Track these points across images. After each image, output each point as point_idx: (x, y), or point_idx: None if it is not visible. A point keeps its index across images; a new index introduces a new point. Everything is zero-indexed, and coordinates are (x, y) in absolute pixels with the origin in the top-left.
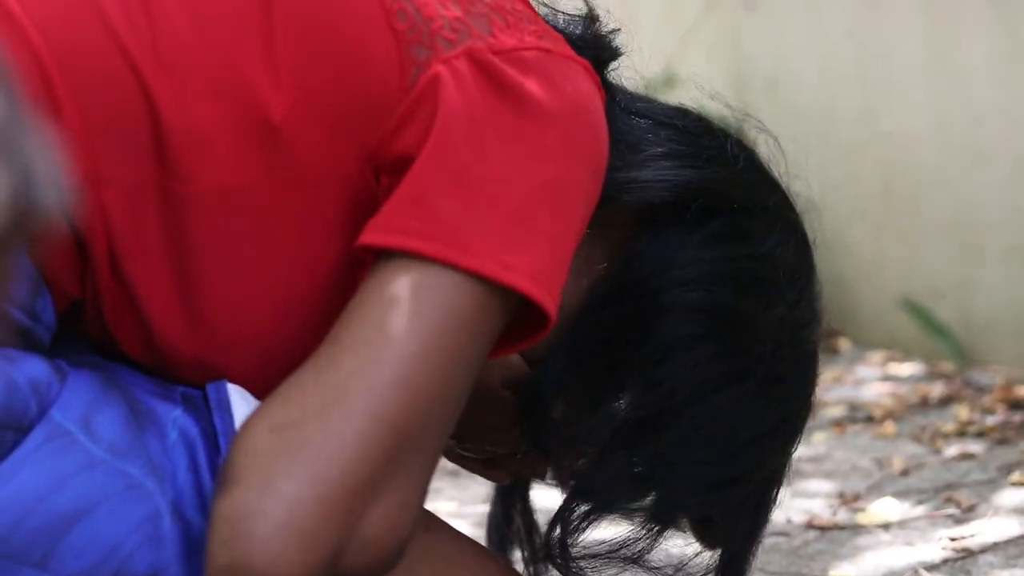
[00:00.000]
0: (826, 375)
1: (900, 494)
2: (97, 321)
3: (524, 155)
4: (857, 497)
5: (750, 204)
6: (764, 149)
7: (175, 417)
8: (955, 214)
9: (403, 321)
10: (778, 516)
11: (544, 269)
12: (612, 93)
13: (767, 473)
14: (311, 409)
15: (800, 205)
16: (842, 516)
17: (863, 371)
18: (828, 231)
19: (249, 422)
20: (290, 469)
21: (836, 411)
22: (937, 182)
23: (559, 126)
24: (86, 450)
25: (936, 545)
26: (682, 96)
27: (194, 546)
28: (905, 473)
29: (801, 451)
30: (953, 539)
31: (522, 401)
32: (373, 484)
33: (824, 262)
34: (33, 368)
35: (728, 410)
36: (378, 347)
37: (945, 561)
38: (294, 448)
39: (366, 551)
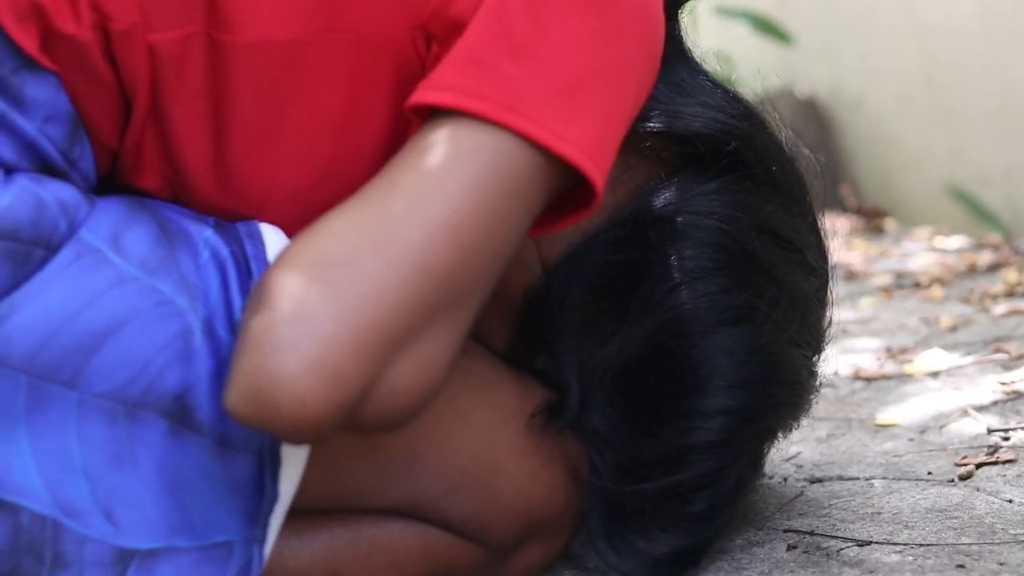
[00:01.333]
0: (872, 250)
1: (948, 347)
2: (129, 174)
3: (581, 31)
4: (904, 351)
5: (788, 185)
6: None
7: (206, 237)
8: (999, 100)
9: (457, 177)
10: (824, 369)
11: (596, 146)
12: (680, 42)
13: (762, 427)
14: (358, 250)
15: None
16: (889, 368)
17: (909, 246)
18: (873, 123)
19: (291, 250)
20: (329, 307)
21: (882, 279)
22: (981, 69)
23: (618, 7)
24: (116, 267)
25: (985, 389)
26: None
27: (224, 364)
28: (953, 329)
29: (847, 314)
30: (1003, 383)
31: (526, 306)
32: (408, 334)
33: (870, 154)
34: (61, 190)
35: (735, 349)
36: (431, 199)
37: (995, 403)
38: (336, 287)
39: (389, 401)
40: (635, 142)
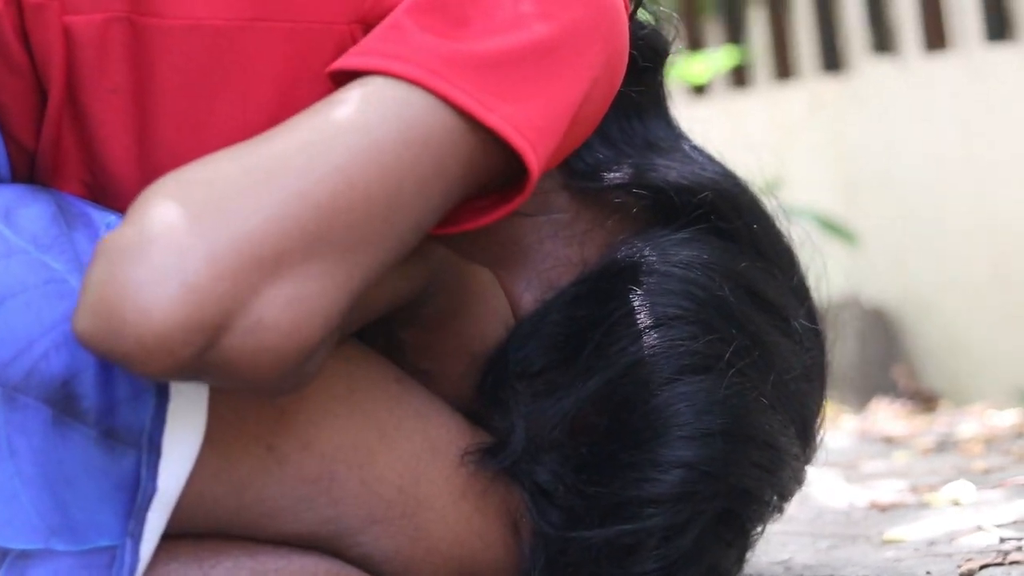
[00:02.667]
0: (918, 422)
1: (979, 483)
2: (47, 178)
3: (524, 12)
4: (930, 487)
5: (771, 249)
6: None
7: (110, 222)
8: None
9: (355, 120)
10: (838, 502)
11: (532, 124)
12: (661, 101)
13: (727, 486)
14: (232, 172)
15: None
16: (909, 499)
17: (959, 417)
18: (942, 328)
19: (164, 176)
20: (190, 220)
21: (923, 442)
22: None
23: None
24: (4, 239)
25: (1009, 510)
26: (789, 197)
27: None
28: (986, 472)
29: (875, 466)
30: None
31: (486, 364)
32: (279, 263)
33: (938, 360)
34: None
35: (696, 398)
36: (322, 135)
37: (1016, 522)
38: (200, 201)
39: (254, 336)
40: (605, 198)
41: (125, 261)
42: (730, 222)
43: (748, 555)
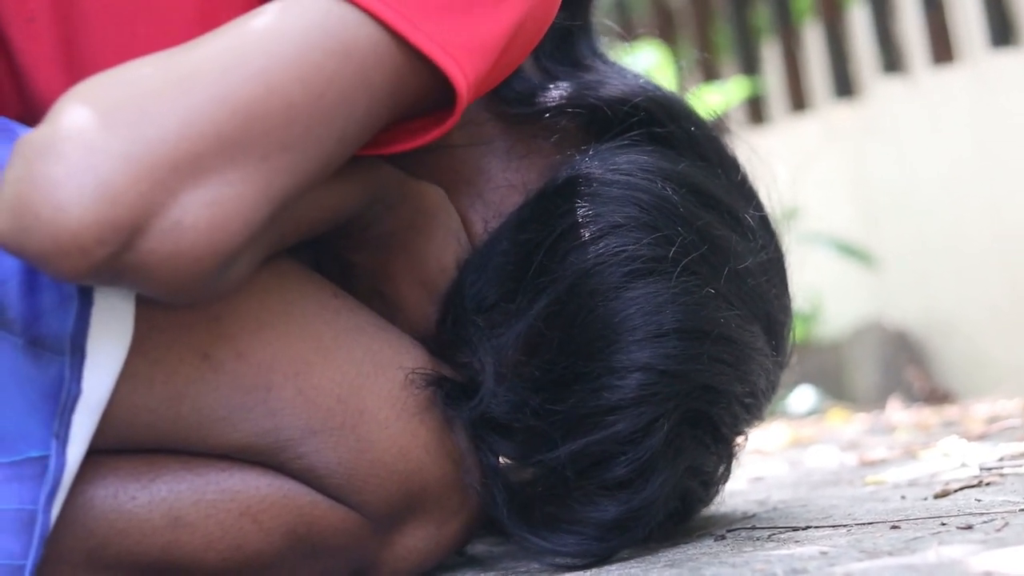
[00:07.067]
0: (926, 413)
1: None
2: None
3: None
4: (924, 445)
5: (712, 150)
6: None
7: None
8: None
9: (280, 28)
10: (828, 464)
11: (460, 44)
12: (587, 22)
13: (689, 384)
14: (152, 75)
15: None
16: (899, 454)
17: (967, 407)
18: (964, 346)
19: (85, 80)
20: (105, 118)
21: (927, 423)
22: None
23: None
24: None
25: (996, 452)
26: (808, 225)
27: None
28: (982, 437)
29: (877, 440)
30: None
31: (443, 302)
32: (197, 165)
33: (962, 377)
34: None
35: (646, 301)
36: (244, 41)
37: (1000, 458)
38: (118, 101)
39: (171, 238)
40: (541, 122)
41: (40, 159)
42: (666, 127)
43: (734, 463)
